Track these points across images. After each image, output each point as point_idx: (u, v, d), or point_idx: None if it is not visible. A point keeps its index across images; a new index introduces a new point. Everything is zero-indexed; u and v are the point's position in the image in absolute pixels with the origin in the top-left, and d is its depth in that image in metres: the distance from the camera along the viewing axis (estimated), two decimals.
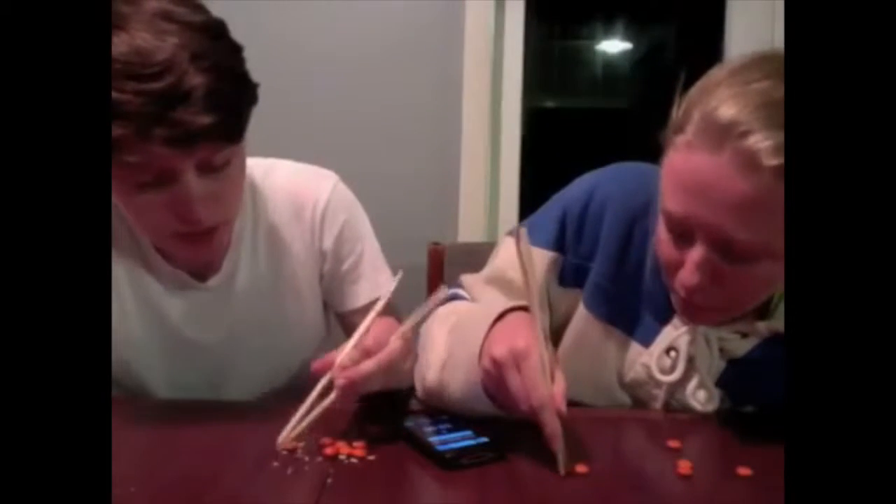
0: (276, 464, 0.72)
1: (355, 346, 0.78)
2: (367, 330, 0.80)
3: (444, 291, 0.85)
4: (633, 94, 2.38)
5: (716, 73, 0.74)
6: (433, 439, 0.76)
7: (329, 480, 0.69)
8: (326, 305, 1.07)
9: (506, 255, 0.95)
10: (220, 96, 0.77)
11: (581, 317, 0.94)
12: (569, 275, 0.93)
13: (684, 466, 0.73)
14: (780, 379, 0.71)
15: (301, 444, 0.76)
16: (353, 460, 0.73)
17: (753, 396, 0.89)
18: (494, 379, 0.74)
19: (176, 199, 0.80)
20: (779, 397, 0.67)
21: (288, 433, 0.76)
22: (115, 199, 0.83)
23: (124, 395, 1.00)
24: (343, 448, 0.75)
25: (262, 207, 0.99)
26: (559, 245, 0.93)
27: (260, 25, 1.70)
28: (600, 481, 0.70)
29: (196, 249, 0.88)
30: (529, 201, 2.04)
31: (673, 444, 0.79)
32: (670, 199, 0.75)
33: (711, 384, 0.88)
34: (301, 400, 0.78)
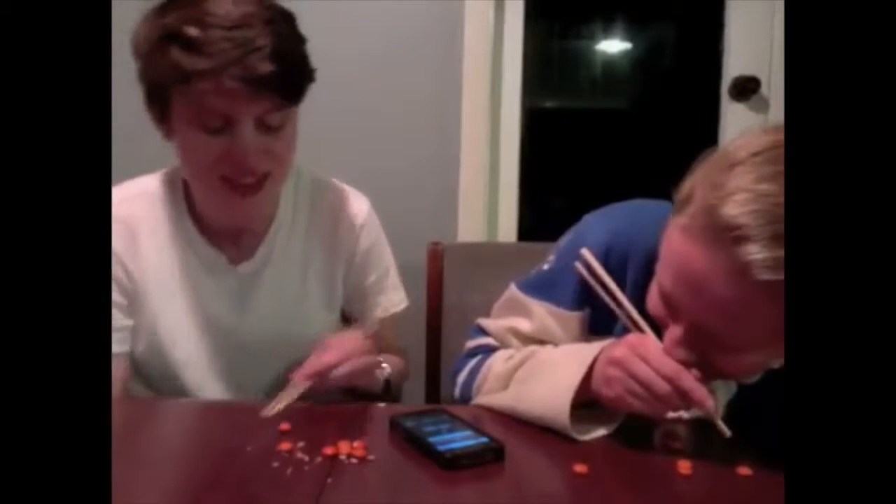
0: (276, 464, 0.72)
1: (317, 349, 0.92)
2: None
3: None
4: (633, 94, 2.38)
5: (728, 155, 0.70)
6: (433, 439, 0.76)
7: (329, 480, 0.69)
8: (343, 316, 1.15)
9: (540, 317, 0.94)
10: (284, 57, 0.89)
11: None
12: (597, 326, 0.91)
13: (684, 466, 0.73)
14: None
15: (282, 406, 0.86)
16: (353, 460, 0.73)
17: (760, 421, 0.86)
18: (619, 381, 0.75)
19: (233, 146, 0.91)
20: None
21: (269, 408, 0.86)
22: (177, 138, 0.95)
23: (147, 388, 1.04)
24: (343, 448, 0.75)
25: (303, 210, 1.08)
26: (583, 302, 0.91)
27: None
28: (600, 481, 0.70)
29: (240, 201, 0.96)
30: (529, 201, 2.04)
31: (673, 444, 0.79)
32: (663, 275, 0.74)
33: (719, 418, 0.87)
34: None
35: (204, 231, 1.03)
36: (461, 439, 0.76)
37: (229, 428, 0.82)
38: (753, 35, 1.92)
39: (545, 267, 0.95)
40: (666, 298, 0.75)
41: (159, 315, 1.02)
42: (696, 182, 0.71)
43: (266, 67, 0.88)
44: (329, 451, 0.74)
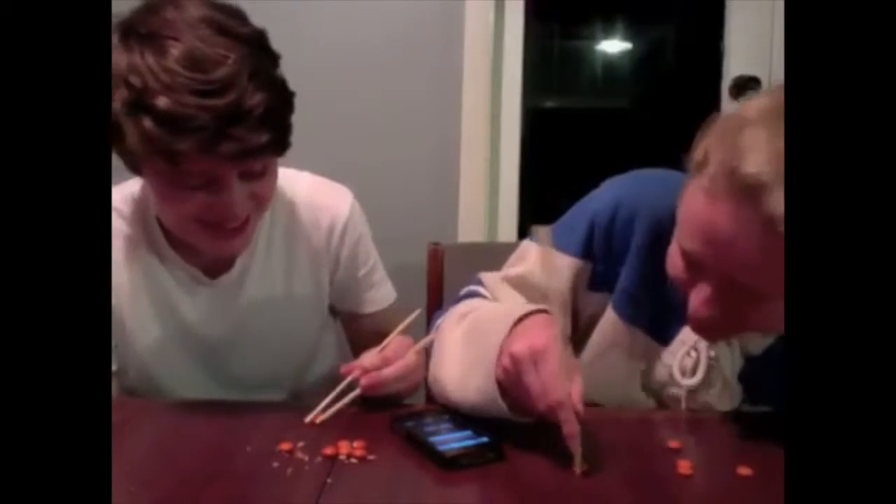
0: (276, 464, 0.72)
1: (378, 353, 0.89)
2: (388, 343, 0.92)
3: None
4: (633, 94, 2.38)
5: (738, 116, 0.72)
6: (433, 439, 0.76)
7: (329, 480, 0.69)
8: (331, 310, 1.13)
9: (533, 261, 0.96)
10: (274, 114, 0.81)
11: (609, 320, 0.95)
12: (598, 281, 0.95)
13: (684, 466, 0.73)
14: None
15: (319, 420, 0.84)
16: (353, 460, 0.73)
17: (769, 391, 0.89)
18: (512, 377, 0.74)
19: (218, 201, 0.84)
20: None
21: (315, 414, 0.84)
22: (151, 188, 0.89)
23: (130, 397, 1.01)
24: (343, 448, 0.75)
25: (281, 213, 1.03)
26: (587, 253, 0.94)
27: (259, 23, 1.69)
28: (600, 481, 0.70)
29: (223, 242, 0.91)
30: (529, 201, 2.04)
31: (673, 444, 0.79)
32: (686, 238, 0.76)
33: (735, 383, 0.89)
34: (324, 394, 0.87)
35: (177, 247, 0.98)
36: (461, 439, 0.76)
37: (230, 428, 0.82)
38: (753, 35, 1.92)
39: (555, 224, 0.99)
40: (690, 260, 0.76)
41: (141, 337, 0.99)
42: (709, 145, 0.73)
43: (258, 139, 0.79)
44: (329, 451, 0.74)
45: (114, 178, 0.97)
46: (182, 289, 0.99)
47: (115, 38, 0.80)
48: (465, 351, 0.84)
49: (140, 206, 0.98)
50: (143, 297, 0.98)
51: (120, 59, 0.78)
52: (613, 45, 2.42)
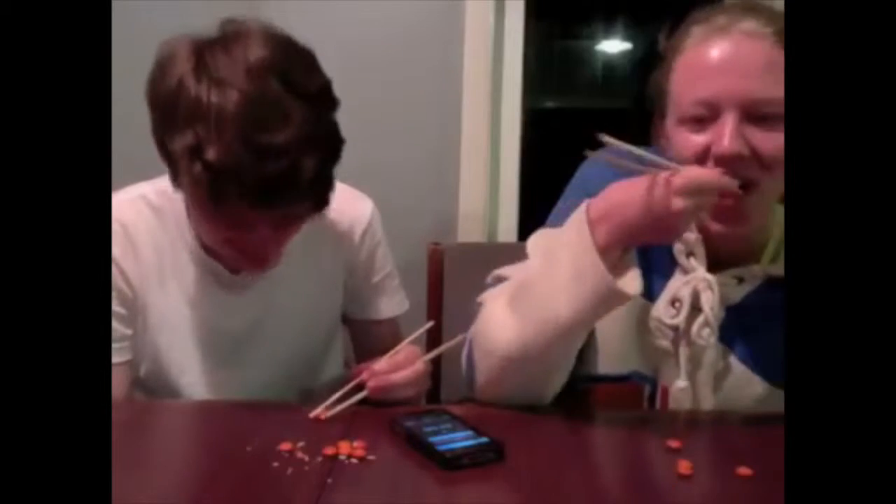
0: (276, 464, 0.72)
1: (388, 359, 0.91)
2: (398, 350, 0.93)
3: (462, 336, 0.94)
4: (633, 93, 2.38)
5: (701, 10, 0.89)
6: (433, 439, 0.76)
7: (329, 480, 0.69)
8: (342, 318, 1.14)
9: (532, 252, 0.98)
10: (323, 178, 0.84)
11: None
12: None
13: (684, 466, 0.73)
14: (772, 325, 0.72)
15: (330, 413, 0.85)
16: (353, 460, 0.73)
17: (747, 342, 0.93)
18: (686, 208, 0.79)
19: (249, 242, 0.89)
20: (769, 343, 0.67)
21: (321, 410, 0.85)
22: (192, 212, 0.94)
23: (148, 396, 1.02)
24: (343, 448, 0.75)
25: None
26: None
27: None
28: (601, 481, 0.70)
29: (250, 266, 0.95)
30: (529, 201, 2.04)
31: (673, 444, 0.79)
32: (693, 89, 0.86)
33: (714, 321, 0.91)
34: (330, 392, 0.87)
35: (203, 244, 1.00)
36: (461, 439, 0.76)
37: (229, 428, 0.82)
38: None
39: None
40: (703, 109, 0.85)
41: (161, 328, 1.00)
42: (683, 29, 0.89)
43: (305, 204, 0.84)
44: (329, 451, 0.74)
45: (128, 178, 1.01)
46: (205, 283, 1.01)
47: (189, 64, 0.80)
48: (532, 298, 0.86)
49: (172, 202, 1.00)
50: (167, 289, 1.00)
51: (189, 92, 0.79)
52: (613, 45, 2.42)
